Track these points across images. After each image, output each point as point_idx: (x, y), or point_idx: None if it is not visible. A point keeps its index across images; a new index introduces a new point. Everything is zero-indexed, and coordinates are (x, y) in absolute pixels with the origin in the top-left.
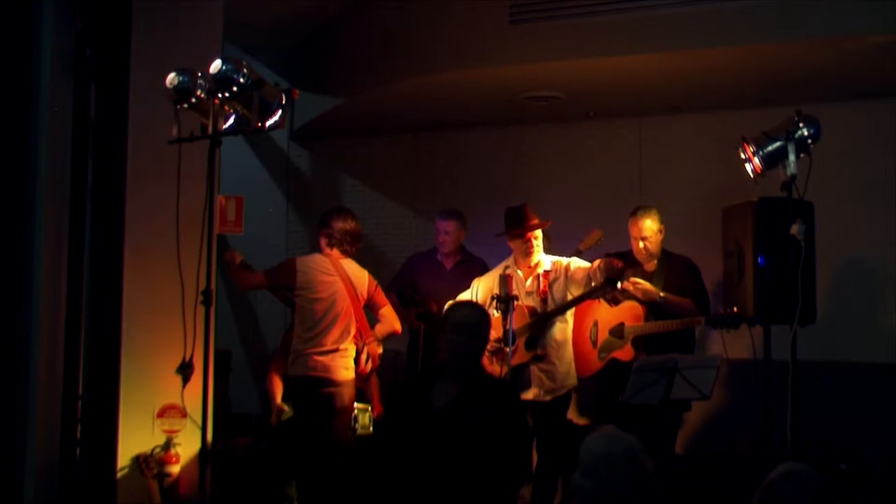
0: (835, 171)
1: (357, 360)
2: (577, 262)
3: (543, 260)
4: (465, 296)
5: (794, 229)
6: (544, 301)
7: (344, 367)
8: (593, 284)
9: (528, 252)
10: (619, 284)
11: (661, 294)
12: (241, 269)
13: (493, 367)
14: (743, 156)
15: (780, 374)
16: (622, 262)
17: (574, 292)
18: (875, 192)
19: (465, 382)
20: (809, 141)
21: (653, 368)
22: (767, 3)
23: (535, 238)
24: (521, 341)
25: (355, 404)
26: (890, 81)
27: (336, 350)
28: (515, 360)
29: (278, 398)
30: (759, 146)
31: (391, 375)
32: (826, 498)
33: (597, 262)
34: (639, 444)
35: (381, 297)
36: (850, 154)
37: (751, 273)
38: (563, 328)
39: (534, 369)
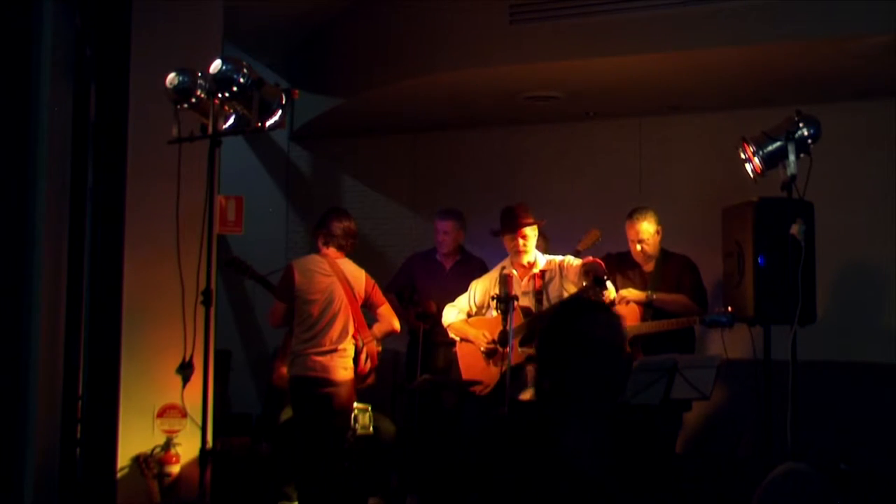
0: (835, 171)
1: (357, 360)
2: (570, 260)
3: (539, 260)
4: (463, 298)
5: (794, 229)
6: (540, 301)
7: (343, 367)
8: (584, 284)
9: (517, 251)
10: (606, 284)
11: (655, 295)
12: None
13: (491, 369)
14: (743, 156)
15: (780, 374)
16: (612, 262)
17: (570, 290)
18: (875, 192)
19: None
20: (809, 141)
21: (653, 368)
22: (767, 3)
23: (524, 237)
24: (515, 342)
25: (355, 404)
26: (890, 81)
27: (335, 350)
28: (508, 361)
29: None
30: (759, 146)
31: (391, 375)
32: (826, 498)
33: (579, 264)
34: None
35: (378, 296)
36: (850, 154)
37: (751, 273)
38: None
39: (530, 370)
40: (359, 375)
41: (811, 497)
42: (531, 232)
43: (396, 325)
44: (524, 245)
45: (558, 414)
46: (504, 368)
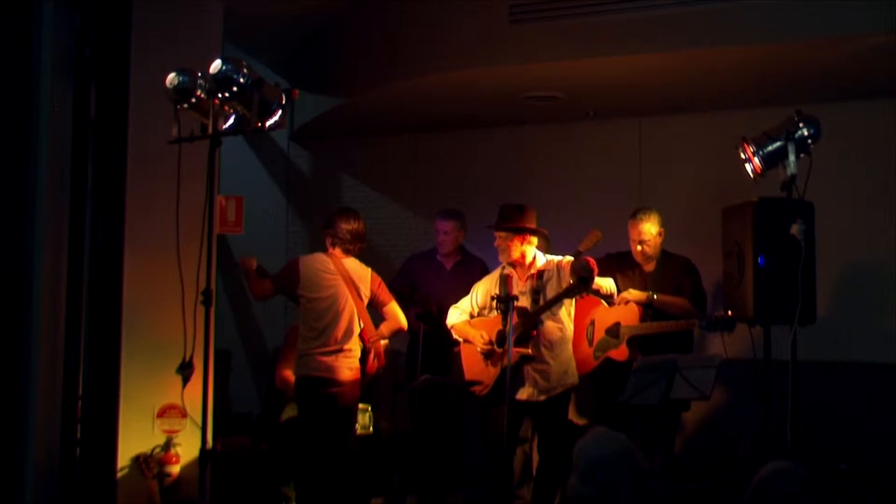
0: (835, 171)
1: (365, 360)
2: (568, 260)
3: (539, 260)
4: (465, 300)
5: (794, 229)
6: (537, 301)
7: (348, 368)
8: (571, 281)
9: (500, 250)
10: (591, 284)
11: (655, 296)
12: (256, 276)
13: (489, 369)
14: (743, 156)
15: (780, 374)
16: (613, 262)
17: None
18: (875, 192)
19: None
20: (809, 141)
21: (653, 368)
22: (767, 3)
23: (500, 237)
24: (512, 341)
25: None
26: (890, 81)
27: (340, 350)
28: (507, 361)
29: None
30: (759, 146)
31: (391, 375)
32: (815, 495)
33: (567, 261)
34: (631, 442)
35: (384, 294)
36: (850, 154)
37: (751, 273)
38: (558, 328)
39: (528, 369)
40: (367, 375)
41: (800, 495)
42: (505, 234)
43: (404, 322)
44: (499, 244)
45: None
46: (503, 367)
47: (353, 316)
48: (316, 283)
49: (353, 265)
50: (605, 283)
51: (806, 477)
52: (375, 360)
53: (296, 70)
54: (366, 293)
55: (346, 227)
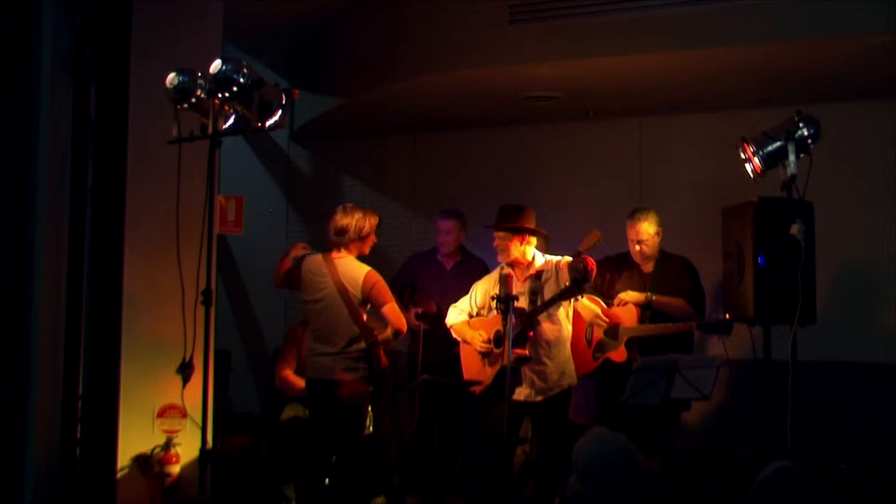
0: (835, 171)
1: (370, 361)
2: (566, 260)
3: (538, 259)
4: (464, 300)
5: (794, 229)
6: (534, 302)
7: (345, 368)
8: (566, 284)
9: (499, 250)
10: (584, 286)
11: (654, 297)
12: (290, 263)
13: (486, 369)
14: (743, 156)
15: (780, 374)
16: (612, 263)
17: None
18: (875, 192)
19: None
20: (809, 141)
21: (653, 368)
22: (767, 3)
23: (498, 237)
24: (511, 341)
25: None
26: (890, 81)
27: (336, 351)
28: (506, 361)
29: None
30: (759, 146)
31: (391, 375)
32: (817, 495)
33: (566, 261)
34: (631, 442)
35: (379, 295)
36: (850, 154)
37: (751, 273)
38: (555, 329)
39: (525, 370)
40: (370, 377)
41: (802, 494)
42: (504, 234)
43: (402, 323)
44: (498, 244)
45: None
46: (500, 367)
47: (345, 318)
48: (311, 285)
49: (345, 266)
50: (589, 305)
51: (807, 477)
52: (378, 363)
53: (296, 70)
54: (356, 295)
55: (332, 224)
